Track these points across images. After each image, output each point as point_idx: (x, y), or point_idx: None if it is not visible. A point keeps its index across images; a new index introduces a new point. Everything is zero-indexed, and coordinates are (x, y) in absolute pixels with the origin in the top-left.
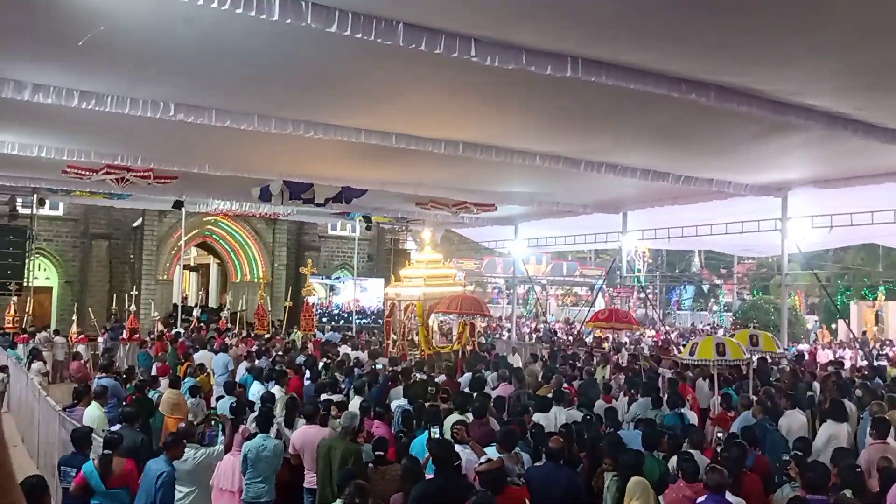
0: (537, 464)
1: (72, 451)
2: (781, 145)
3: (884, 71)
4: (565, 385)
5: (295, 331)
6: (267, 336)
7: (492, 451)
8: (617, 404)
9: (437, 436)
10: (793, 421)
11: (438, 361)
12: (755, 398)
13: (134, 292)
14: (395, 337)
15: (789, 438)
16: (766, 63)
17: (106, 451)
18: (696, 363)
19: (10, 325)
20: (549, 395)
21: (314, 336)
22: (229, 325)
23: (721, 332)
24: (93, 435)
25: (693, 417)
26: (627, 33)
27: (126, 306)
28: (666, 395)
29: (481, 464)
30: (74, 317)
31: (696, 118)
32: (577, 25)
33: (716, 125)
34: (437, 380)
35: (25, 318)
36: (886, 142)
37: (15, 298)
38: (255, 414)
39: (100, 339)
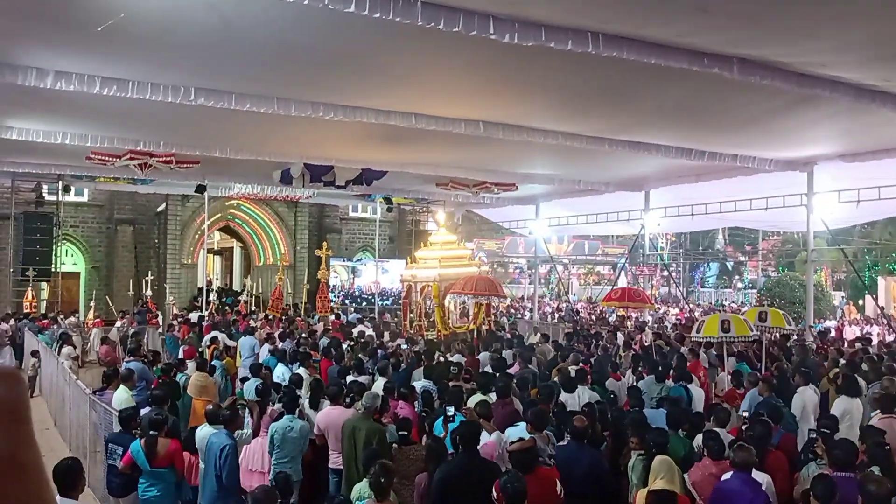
0: (561, 443)
1: (119, 429)
2: (807, 119)
3: None
4: (582, 364)
5: (315, 315)
6: (286, 317)
7: (520, 431)
8: (624, 381)
9: (452, 415)
10: (806, 398)
11: (455, 341)
12: (761, 376)
13: (150, 277)
14: (412, 317)
15: (803, 415)
16: (791, 34)
17: (152, 432)
18: (702, 340)
19: (31, 311)
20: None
21: (337, 316)
22: (253, 308)
23: (745, 309)
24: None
25: (699, 393)
26: (650, 7)
27: (143, 291)
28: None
29: (513, 443)
30: (92, 303)
31: (719, 92)
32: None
33: (739, 99)
34: (453, 359)
35: (43, 305)
36: None
37: (43, 285)
38: (281, 395)
39: (117, 324)
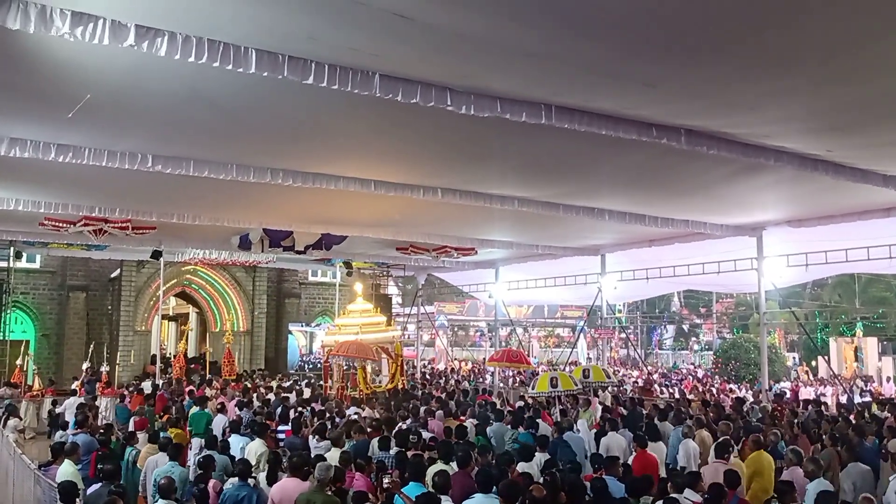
0: None
1: None
2: (754, 186)
3: (845, 112)
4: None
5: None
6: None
7: (476, 503)
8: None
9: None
10: (612, 441)
11: (374, 399)
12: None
13: (29, 352)
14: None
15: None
16: (733, 107)
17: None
18: (535, 395)
19: None
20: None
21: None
22: (208, 376)
23: (701, 371)
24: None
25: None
26: (598, 80)
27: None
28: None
29: None
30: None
31: (670, 160)
32: (550, 74)
33: (689, 167)
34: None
35: None
36: (856, 181)
37: None
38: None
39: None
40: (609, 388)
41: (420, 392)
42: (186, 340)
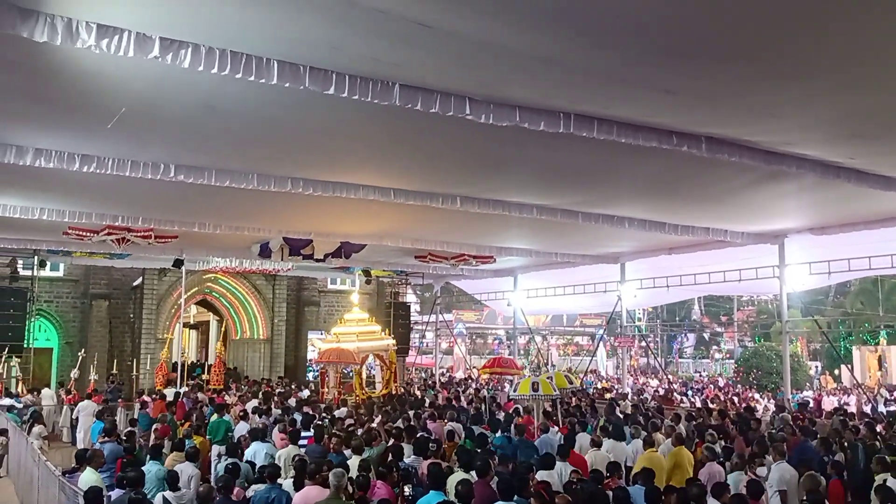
0: None
1: None
2: (776, 193)
3: (868, 119)
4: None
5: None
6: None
7: None
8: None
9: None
10: (582, 441)
11: (370, 405)
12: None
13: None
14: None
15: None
16: (754, 113)
17: None
18: (517, 397)
19: None
20: None
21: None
22: (230, 384)
23: (721, 380)
24: None
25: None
26: (618, 88)
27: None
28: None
29: None
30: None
31: (690, 168)
32: (568, 82)
33: (709, 174)
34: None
35: (13, 381)
36: (879, 188)
37: (14, 361)
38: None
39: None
40: (629, 398)
41: (414, 398)
42: (183, 349)
